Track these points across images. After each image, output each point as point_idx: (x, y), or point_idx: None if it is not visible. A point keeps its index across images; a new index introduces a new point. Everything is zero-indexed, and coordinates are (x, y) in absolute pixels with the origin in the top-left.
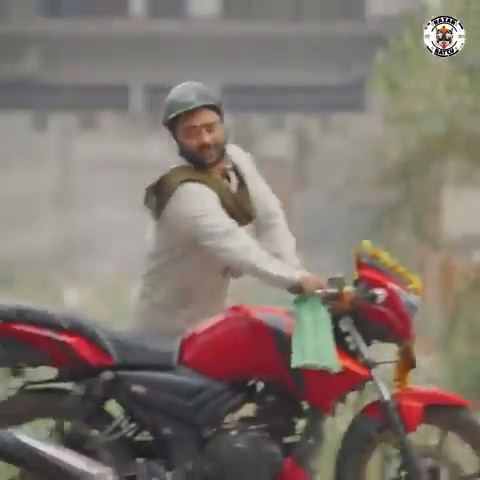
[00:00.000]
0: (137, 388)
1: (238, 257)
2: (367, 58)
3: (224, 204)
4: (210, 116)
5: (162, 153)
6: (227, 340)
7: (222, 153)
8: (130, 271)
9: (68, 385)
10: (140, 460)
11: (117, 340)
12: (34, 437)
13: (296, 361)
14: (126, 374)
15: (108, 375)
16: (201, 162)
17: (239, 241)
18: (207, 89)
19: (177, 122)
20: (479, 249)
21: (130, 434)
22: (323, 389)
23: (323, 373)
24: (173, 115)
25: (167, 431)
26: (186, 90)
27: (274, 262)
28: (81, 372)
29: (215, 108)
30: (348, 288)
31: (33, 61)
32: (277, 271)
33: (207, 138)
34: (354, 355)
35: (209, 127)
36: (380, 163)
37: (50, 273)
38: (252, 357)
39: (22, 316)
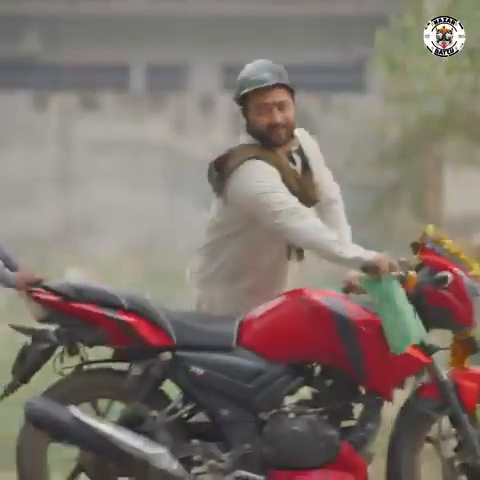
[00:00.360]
0: (196, 369)
1: (307, 237)
2: (368, 38)
3: (288, 186)
4: (282, 95)
5: (163, 133)
6: (287, 323)
7: (290, 134)
8: (130, 251)
9: (124, 366)
10: (196, 442)
11: (176, 320)
12: (92, 416)
13: (402, 346)
14: (185, 355)
15: (167, 355)
16: (269, 141)
17: (307, 220)
18: (281, 68)
19: (248, 99)
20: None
21: (186, 415)
22: (384, 374)
23: (384, 358)
24: (245, 91)
25: (225, 413)
26: (260, 67)
27: (345, 242)
28: (139, 352)
29: (287, 88)
30: (412, 272)
31: (33, 41)
32: (351, 251)
33: (278, 117)
34: None
35: (281, 106)
36: (380, 144)
37: (50, 253)
38: (312, 340)
39: (81, 295)
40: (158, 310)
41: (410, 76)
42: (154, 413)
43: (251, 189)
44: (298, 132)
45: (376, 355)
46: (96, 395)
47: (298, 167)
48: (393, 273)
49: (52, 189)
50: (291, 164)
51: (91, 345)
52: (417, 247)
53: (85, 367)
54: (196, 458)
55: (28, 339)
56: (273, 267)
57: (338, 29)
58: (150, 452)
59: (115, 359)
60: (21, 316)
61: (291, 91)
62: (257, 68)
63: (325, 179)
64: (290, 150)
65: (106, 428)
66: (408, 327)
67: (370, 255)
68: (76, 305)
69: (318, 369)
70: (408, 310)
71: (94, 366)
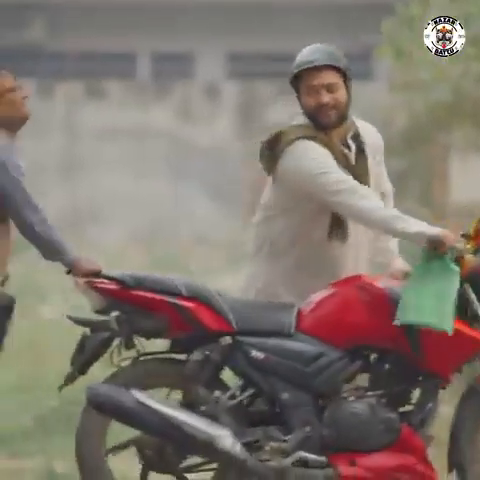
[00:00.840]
0: (256, 353)
1: (370, 215)
2: (374, 27)
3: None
4: (332, 77)
5: (168, 122)
6: (346, 308)
7: (342, 117)
8: (134, 239)
9: (182, 357)
10: (256, 427)
11: (235, 307)
12: (155, 400)
13: (403, 317)
14: (245, 339)
15: (227, 340)
16: (318, 122)
17: (369, 199)
18: (337, 51)
19: (300, 81)
20: None
21: (246, 400)
22: (442, 356)
23: (443, 340)
24: (295, 73)
25: (285, 396)
26: (313, 50)
27: (407, 218)
28: (197, 341)
29: (340, 70)
30: (469, 255)
31: (39, 29)
32: (414, 226)
33: (325, 98)
34: (470, 323)
35: (330, 87)
36: (387, 132)
37: None
38: (371, 324)
39: (140, 283)
40: (216, 297)
41: (416, 64)
42: (215, 397)
43: (306, 167)
44: (361, 123)
45: (434, 337)
46: (155, 383)
47: (352, 152)
48: (457, 246)
49: (58, 177)
50: (344, 148)
51: (149, 336)
52: (468, 238)
53: (142, 358)
54: (257, 443)
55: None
56: (322, 244)
57: (344, 17)
58: (214, 433)
59: (171, 351)
60: (30, 302)
61: (344, 74)
62: (311, 50)
63: (380, 174)
64: (345, 134)
65: (169, 410)
66: (452, 307)
67: (435, 230)
68: (136, 293)
69: (376, 354)
70: (448, 291)
71: (150, 357)
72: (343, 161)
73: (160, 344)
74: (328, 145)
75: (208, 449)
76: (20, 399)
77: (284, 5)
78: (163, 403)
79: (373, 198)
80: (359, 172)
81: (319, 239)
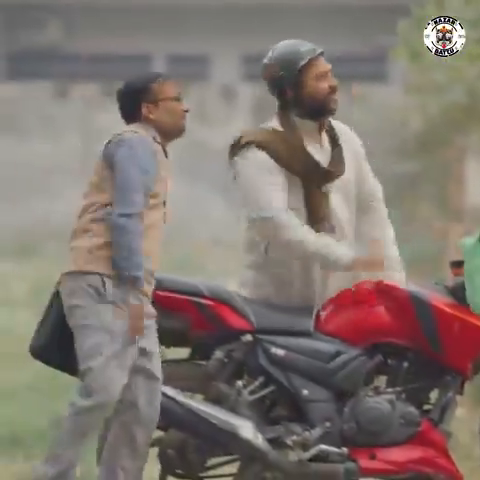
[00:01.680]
0: (276, 350)
1: (284, 241)
2: (389, 28)
3: (296, 163)
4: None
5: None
6: (365, 307)
7: None
8: None
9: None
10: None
11: (255, 307)
12: (180, 393)
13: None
14: (266, 337)
15: (248, 338)
16: (328, 108)
17: (292, 230)
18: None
19: (303, 72)
20: None
21: (267, 398)
22: (460, 351)
23: (461, 336)
24: (304, 62)
25: (305, 393)
26: (297, 42)
27: (327, 244)
28: (218, 341)
29: None
30: None
31: (54, 31)
32: (333, 254)
33: (334, 81)
34: None
35: (331, 72)
36: (402, 134)
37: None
38: (390, 323)
39: (162, 284)
40: (236, 297)
41: (431, 66)
42: (237, 393)
43: (242, 182)
44: (333, 122)
45: (452, 332)
46: (177, 386)
47: (324, 144)
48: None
49: (73, 178)
50: (315, 143)
51: (171, 336)
52: None
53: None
54: (279, 439)
55: None
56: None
57: (359, 19)
58: (237, 423)
59: (192, 358)
60: (44, 303)
61: None
62: (295, 43)
63: (365, 173)
64: (324, 125)
65: (194, 403)
66: None
67: (349, 255)
68: (159, 293)
69: (394, 351)
70: None
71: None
72: (303, 159)
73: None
74: (290, 146)
75: (231, 440)
76: (36, 400)
77: (299, 7)
78: (188, 397)
79: (298, 229)
80: (335, 159)
81: None
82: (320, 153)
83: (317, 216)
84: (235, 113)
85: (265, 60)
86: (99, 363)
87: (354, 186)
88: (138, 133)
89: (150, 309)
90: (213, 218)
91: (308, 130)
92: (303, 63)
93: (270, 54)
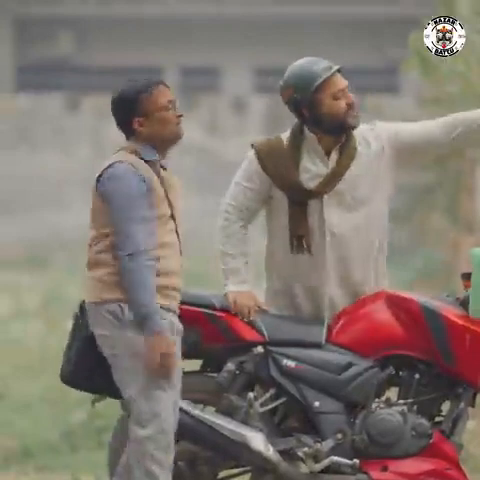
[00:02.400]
0: (287, 362)
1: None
2: (400, 40)
3: (276, 175)
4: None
5: (196, 135)
6: (377, 318)
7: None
8: None
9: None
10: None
11: (266, 319)
12: (191, 405)
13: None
14: (277, 349)
15: (260, 349)
16: (347, 125)
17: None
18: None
19: (319, 91)
20: None
21: (278, 410)
22: (472, 363)
23: (473, 348)
24: (319, 82)
25: (316, 404)
26: (312, 60)
27: (225, 262)
28: (228, 353)
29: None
30: None
31: (67, 43)
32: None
33: (352, 98)
34: None
35: (347, 89)
36: None
37: (82, 253)
38: (402, 334)
39: None
40: None
41: (444, 78)
42: (248, 405)
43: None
44: (358, 130)
45: (464, 344)
46: (188, 398)
47: (334, 158)
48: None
49: (84, 190)
50: (331, 156)
51: (182, 350)
52: None
53: None
54: (290, 451)
55: None
56: (292, 259)
57: (371, 31)
58: (248, 434)
59: (202, 370)
60: (56, 315)
61: None
62: (311, 61)
63: (405, 128)
64: (337, 141)
65: (206, 415)
66: None
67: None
68: None
69: (406, 363)
70: None
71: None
72: (286, 175)
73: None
74: (279, 160)
75: (242, 451)
76: (47, 412)
77: (311, 19)
78: (200, 409)
79: (224, 232)
80: (324, 182)
81: (287, 255)
82: (319, 170)
83: (295, 232)
84: (247, 125)
85: (281, 81)
86: (137, 391)
87: (372, 200)
88: (124, 162)
89: (178, 325)
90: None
91: (315, 146)
92: (317, 83)
93: (285, 75)
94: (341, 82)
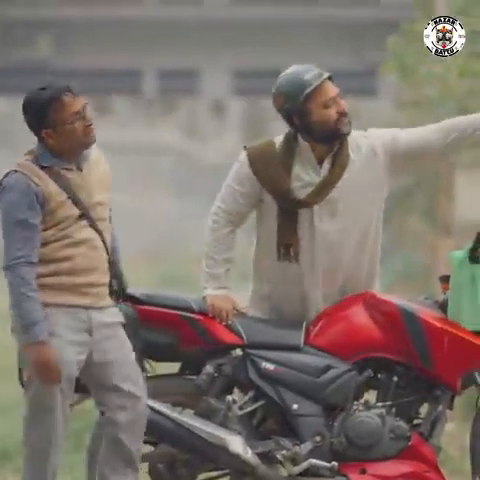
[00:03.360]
0: (266, 365)
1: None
2: (379, 44)
3: (267, 181)
4: (336, 88)
5: (174, 138)
6: (355, 321)
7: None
8: (142, 254)
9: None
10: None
11: (245, 322)
12: (169, 408)
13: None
14: (256, 352)
15: (239, 352)
16: (338, 133)
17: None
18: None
19: (309, 99)
20: None
21: (257, 413)
22: (450, 365)
23: (451, 351)
24: (308, 90)
25: (295, 407)
26: (303, 68)
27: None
28: (207, 356)
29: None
30: None
31: (45, 46)
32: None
33: (344, 106)
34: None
35: (339, 96)
36: None
37: None
38: (380, 336)
39: (152, 299)
40: None
41: (422, 81)
42: (226, 408)
43: None
44: (351, 136)
45: (442, 346)
46: (167, 401)
47: (326, 166)
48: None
49: None
50: (323, 164)
51: (160, 353)
52: None
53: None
54: (269, 453)
55: None
56: (279, 266)
57: (349, 34)
58: (226, 437)
59: (181, 373)
60: None
61: None
62: (302, 69)
63: (403, 132)
64: (329, 151)
65: (183, 417)
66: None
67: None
68: (148, 308)
69: (384, 365)
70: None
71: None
72: (276, 181)
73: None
74: (270, 165)
75: (220, 454)
76: None
77: (289, 22)
78: (178, 412)
79: (212, 235)
80: (315, 192)
81: (275, 260)
82: (312, 178)
83: (282, 240)
84: (225, 127)
85: (272, 89)
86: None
87: (364, 211)
88: (17, 172)
89: (103, 320)
90: (204, 233)
91: (308, 154)
92: (307, 92)
93: (277, 82)
94: (331, 90)
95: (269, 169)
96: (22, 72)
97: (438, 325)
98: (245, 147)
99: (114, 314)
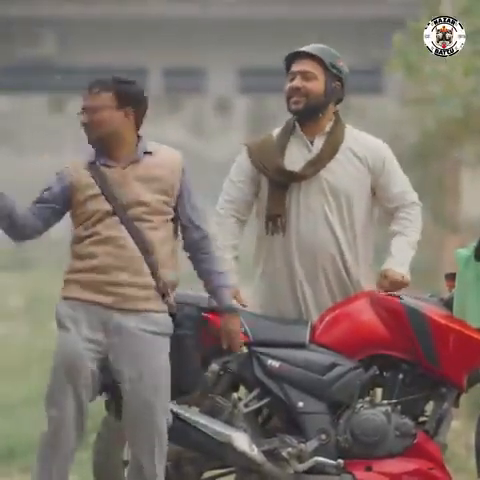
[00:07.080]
0: (272, 362)
1: None
2: (385, 41)
3: (260, 159)
4: (310, 66)
5: (180, 135)
6: (360, 319)
7: (312, 109)
8: None
9: None
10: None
11: (251, 320)
12: (175, 405)
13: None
14: (261, 350)
15: (244, 350)
16: (288, 108)
17: None
18: (329, 50)
19: (287, 70)
20: None
21: (262, 410)
22: (455, 362)
23: (456, 348)
24: (285, 60)
25: (300, 405)
26: (310, 46)
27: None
28: (215, 351)
29: (322, 63)
30: None
31: (50, 44)
32: None
33: (297, 82)
34: None
35: (306, 76)
36: (397, 146)
37: (66, 255)
38: (385, 333)
39: None
40: None
41: (427, 78)
42: (232, 405)
43: None
44: (362, 134)
45: (447, 344)
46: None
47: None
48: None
49: None
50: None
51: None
52: None
53: None
54: (274, 451)
55: None
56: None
57: (355, 32)
58: (232, 435)
59: None
60: (38, 317)
61: (326, 68)
62: (309, 46)
63: (390, 182)
64: (316, 131)
65: (190, 414)
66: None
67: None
68: None
69: (390, 363)
70: None
71: None
72: (269, 158)
73: None
74: (266, 145)
75: (226, 452)
76: (31, 413)
77: (295, 20)
78: (184, 409)
79: (221, 230)
80: (306, 166)
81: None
82: (303, 155)
83: (271, 211)
84: (231, 125)
85: None
86: None
87: (349, 194)
88: (68, 164)
89: (121, 321)
90: (211, 230)
91: (299, 133)
92: (287, 66)
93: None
94: (298, 66)
95: (264, 151)
96: (25, 70)
97: (444, 323)
98: (245, 144)
99: (147, 321)
